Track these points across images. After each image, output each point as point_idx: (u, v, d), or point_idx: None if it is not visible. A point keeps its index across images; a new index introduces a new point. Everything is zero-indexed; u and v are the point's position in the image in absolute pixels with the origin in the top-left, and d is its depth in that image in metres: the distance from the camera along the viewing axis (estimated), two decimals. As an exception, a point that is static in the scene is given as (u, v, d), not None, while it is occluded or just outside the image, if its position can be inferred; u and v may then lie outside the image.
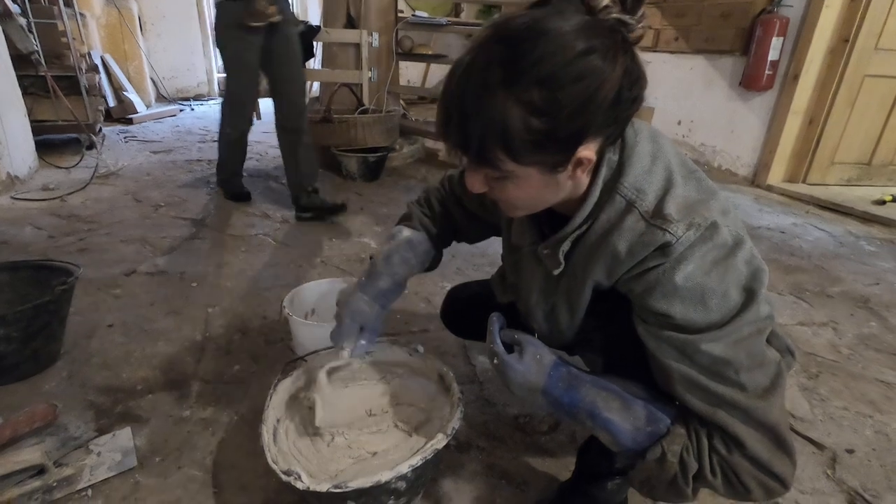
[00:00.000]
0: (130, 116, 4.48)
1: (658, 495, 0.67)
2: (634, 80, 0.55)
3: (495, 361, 0.70)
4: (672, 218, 0.57)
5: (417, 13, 3.52)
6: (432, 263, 0.98)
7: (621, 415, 0.64)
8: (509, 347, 0.72)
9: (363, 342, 0.89)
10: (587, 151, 0.57)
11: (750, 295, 0.58)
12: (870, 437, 1.15)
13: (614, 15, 0.52)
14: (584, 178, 0.62)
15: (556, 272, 0.70)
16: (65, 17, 3.25)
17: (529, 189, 0.60)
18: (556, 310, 0.76)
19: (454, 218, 0.98)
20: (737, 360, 0.57)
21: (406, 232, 0.92)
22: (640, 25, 0.54)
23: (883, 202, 2.73)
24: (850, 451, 1.10)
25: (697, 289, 0.57)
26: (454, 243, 1.03)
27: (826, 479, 1.03)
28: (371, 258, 0.93)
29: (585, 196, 0.63)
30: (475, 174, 0.62)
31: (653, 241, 0.58)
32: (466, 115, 0.54)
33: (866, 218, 2.62)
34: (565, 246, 0.67)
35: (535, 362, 0.68)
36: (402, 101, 3.75)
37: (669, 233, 0.57)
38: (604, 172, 0.62)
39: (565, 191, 0.63)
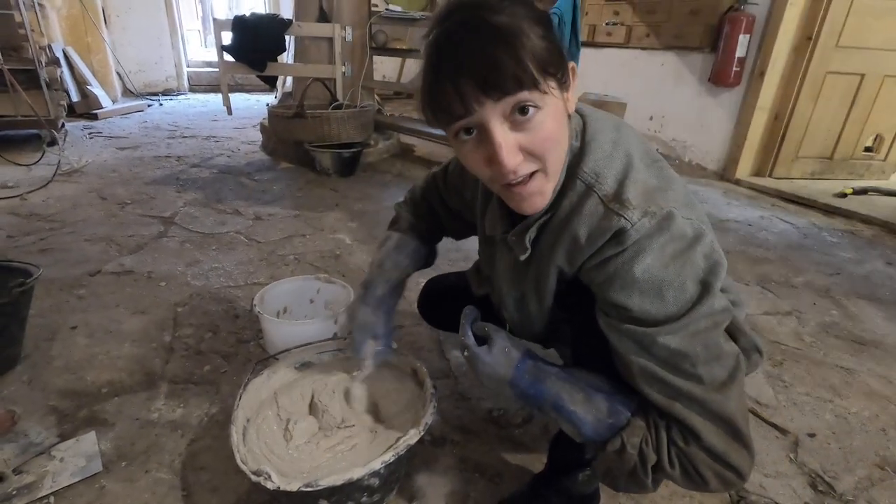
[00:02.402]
0: (95, 111, 4.33)
1: (620, 486, 0.68)
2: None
3: (466, 353, 0.73)
4: (629, 204, 0.58)
5: (391, 7, 3.48)
6: (427, 259, 1.02)
7: (584, 407, 0.65)
8: (481, 340, 0.73)
9: (379, 349, 0.93)
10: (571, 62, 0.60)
11: (705, 288, 0.58)
12: (830, 421, 1.19)
13: None
14: (571, 123, 0.64)
15: (523, 258, 0.71)
16: (22, 8, 3.11)
17: (557, 117, 0.58)
18: (525, 298, 0.77)
19: (438, 215, 1.01)
20: (693, 353, 0.58)
21: (395, 236, 0.97)
22: None
23: (844, 195, 2.83)
24: (812, 435, 1.14)
25: (655, 281, 0.57)
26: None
27: (789, 462, 1.07)
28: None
29: None
30: (504, 136, 0.56)
31: (609, 226, 0.58)
32: (505, 42, 0.53)
33: (828, 210, 2.71)
34: (532, 232, 0.68)
35: (503, 355, 0.70)
36: (376, 97, 3.71)
37: (625, 218, 0.57)
38: (566, 158, 0.64)
39: (566, 139, 0.62)
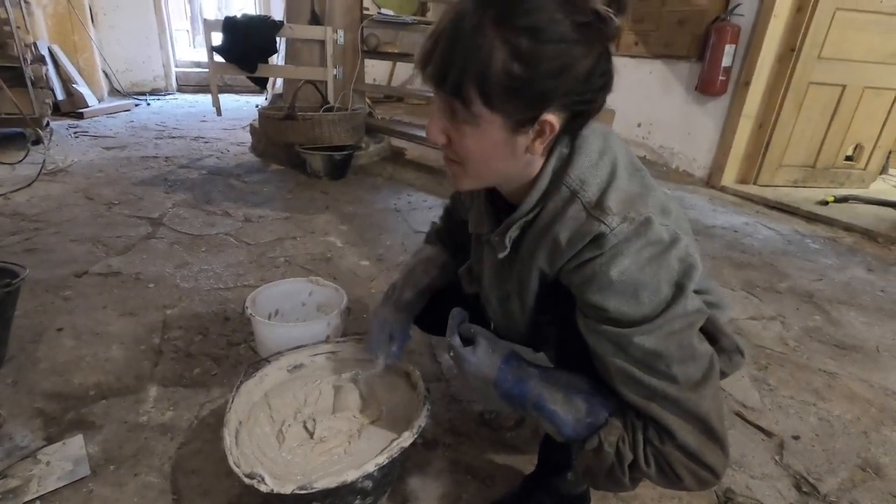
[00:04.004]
0: (81, 110, 4.26)
1: (599, 485, 0.69)
2: (605, 69, 0.59)
3: (451, 354, 0.76)
4: (610, 210, 0.60)
5: (383, 11, 3.49)
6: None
7: (564, 407, 0.67)
8: (468, 341, 0.76)
9: (393, 349, 0.96)
10: (552, 117, 0.59)
11: (679, 289, 0.60)
12: (814, 424, 1.22)
13: (598, 6, 0.55)
14: (539, 159, 0.66)
15: (501, 255, 0.73)
16: (7, 4, 3.06)
17: (486, 144, 0.61)
18: (509, 298, 0.79)
19: (455, 233, 1.04)
20: (668, 353, 0.60)
21: (427, 248, 1.05)
22: (615, 27, 0.56)
23: (826, 203, 2.89)
24: (796, 438, 1.17)
25: (631, 283, 0.59)
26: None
27: (774, 464, 1.09)
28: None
29: (534, 183, 0.67)
30: (440, 116, 0.63)
31: (589, 231, 0.60)
32: (454, 46, 0.56)
33: (811, 217, 2.77)
34: (513, 232, 0.70)
35: (487, 356, 0.73)
36: (367, 100, 3.71)
37: (605, 223, 0.59)
38: (553, 163, 0.66)
39: (518, 164, 0.65)
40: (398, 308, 0.96)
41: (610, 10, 0.55)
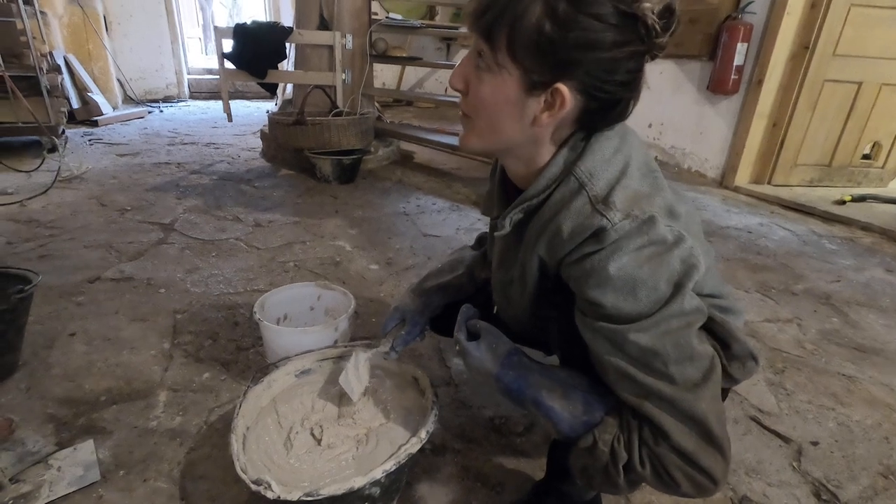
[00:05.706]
0: (95, 118, 4.34)
1: (596, 485, 0.68)
2: (633, 69, 0.60)
3: (457, 347, 0.77)
4: (615, 206, 0.60)
5: (391, 15, 3.50)
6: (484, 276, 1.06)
7: (561, 403, 0.67)
8: (474, 336, 0.77)
9: (402, 333, 0.96)
10: (566, 90, 0.60)
11: (678, 288, 0.59)
12: (833, 430, 1.18)
13: (649, 17, 0.56)
14: (547, 143, 0.67)
15: (500, 234, 0.74)
16: (24, 16, 3.12)
17: (500, 97, 0.63)
18: (511, 283, 0.80)
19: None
20: (664, 352, 0.58)
21: (465, 250, 1.08)
22: (656, 40, 0.58)
23: (843, 202, 2.83)
24: (815, 444, 1.13)
25: (629, 279, 0.58)
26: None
27: (792, 471, 1.06)
28: None
29: (544, 169, 0.67)
30: (465, 64, 0.65)
31: (591, 224, 0.60)
32: None
33: (828, 217, 2.72)
34: (516, 214, 0.71)
35: (490, 350, 0.74)
36: (376, 104, 3.72)
37: (607, 218, 0.59)
38: (566, 153, 0.66)
39: (523, 133, 0.65)
40: (415, 293, 0.99)
41: (658, 22, 0.56)
